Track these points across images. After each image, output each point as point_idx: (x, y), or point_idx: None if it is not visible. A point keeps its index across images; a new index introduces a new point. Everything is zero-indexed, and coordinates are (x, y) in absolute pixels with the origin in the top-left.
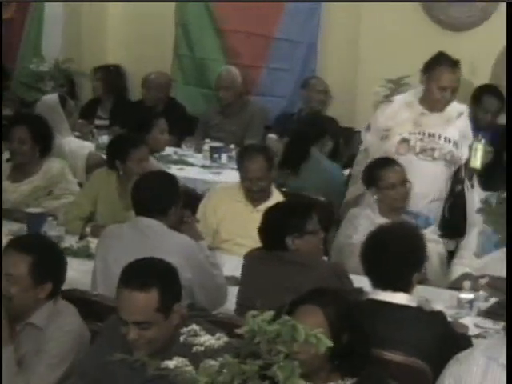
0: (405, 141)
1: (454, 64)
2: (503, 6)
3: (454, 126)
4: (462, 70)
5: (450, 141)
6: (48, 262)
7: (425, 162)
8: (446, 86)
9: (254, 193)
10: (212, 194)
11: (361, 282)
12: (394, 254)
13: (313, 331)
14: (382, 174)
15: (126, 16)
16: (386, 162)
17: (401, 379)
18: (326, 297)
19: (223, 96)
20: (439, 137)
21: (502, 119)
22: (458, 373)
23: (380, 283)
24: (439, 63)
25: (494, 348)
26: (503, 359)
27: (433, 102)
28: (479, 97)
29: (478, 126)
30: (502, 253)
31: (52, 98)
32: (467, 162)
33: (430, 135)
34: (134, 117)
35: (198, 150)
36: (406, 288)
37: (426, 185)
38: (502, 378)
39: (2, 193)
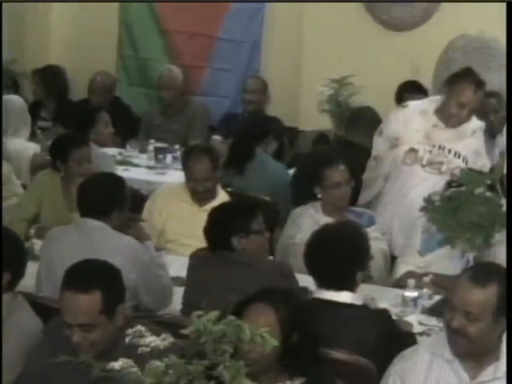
0: (413, 151)
1: (479, 84)
2: (445, 6)
3: (467, 143)
4: (404, 69)
5: (459, 156)
6: (6, 251)
7: (431, 174)
8: (464, 103)
9: (199, 193)
10: (157, 195)
11: (305, 281)
12: (337, 253)
13: (258, 330)
14: (327, 173)
15: (71, 16)
16: (331, 161)
17: (346, 377)
18: (277, 296)
19: (165, 96)
20: (449, 151)
21: None
22: (402, 370)
23: (324, 282)
24: (464, 78)
25: (438, 344)
26: (448, 355)
27: (448, 116)
28: (402, 93)
29: None
30: (445, 251)
31: (18, 99)
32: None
33: (439, 148)
34: (77, 115)
35: (143, 150)
36: (350, 287)
37: None
38: (447, 373)
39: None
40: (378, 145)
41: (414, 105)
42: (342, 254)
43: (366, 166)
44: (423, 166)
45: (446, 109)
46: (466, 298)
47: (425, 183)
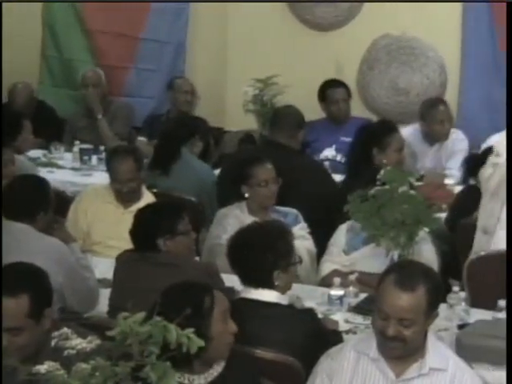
0: None
1: None
2: (368, 6)
3: None
4: (329, 69)
5: None
6: None
7: None
8: None
9: (123, 194)
10: (82, 196)
11: (232, 281)
12: (255, 253)
13: (184, 331)
14: (255, 171)
15: None
16: (258, 160)
17: (273, 377)
18: None
19: (86, 100)
20: None
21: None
22: (329, 368)
23: (249, 282)
24: None
25: (363, 343)
26: (373, 354)
27: None
28: (325, 91)
29: (332, 119)
30: (369, 249)
31: None
32: None
33: None
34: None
35: (68, 152)
36: (272, 286)
37: None
38: (373, 371)
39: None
40: None
41: None
42: (260, 253)
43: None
44: None
45: None
46: (398, 306)
47: None
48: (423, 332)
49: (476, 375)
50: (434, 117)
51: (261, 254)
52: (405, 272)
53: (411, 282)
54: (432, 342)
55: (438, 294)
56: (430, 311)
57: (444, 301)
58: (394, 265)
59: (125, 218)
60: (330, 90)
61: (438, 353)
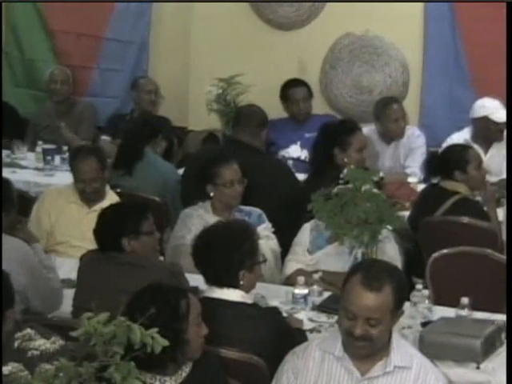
0: None
1: None
2: (330, 6)
3: None
4: (292, 68)
5: None
6: None
7: None
8: None
9: (87, 194)
10: (45, 197)
11: (196, 280)
12: (218, 252)
13: (148, 331)
14: (220, 171)
15: None
16: (224, 159)
17: (238, 376)
18: None
19: (53, 96)
20: None
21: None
22: (295, 366)
23: (213, 281)
24: None
25: (328, 341)
26: (338, 352)
27: None
28: (286, 91)
29: (294, 118)
30: (333, 248)
31: None
32: None
33: None
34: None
35: (31, 152)
36: (237, 285)
37: None
38: (338, 370)
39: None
40: None
41: None
42: (225, 253)
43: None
44: None
45: None
46: (365, 305)
47: None
48: (389, 330)
49: (440, 373)
50: (388, 116)
51: (226, 253)
52: (371, 272)
53: (378, 282)
54: (397, 341)
55: (403, 293)
56: (396, 310)
57: (408, 299)
58: (359, 264)
59: (88, 218)
60: (291, 89)
61: (403, 351)
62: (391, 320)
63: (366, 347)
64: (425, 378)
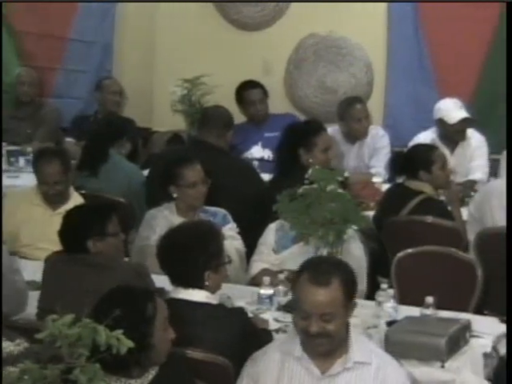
0: None
1: None
2: (295, 6)
3: None
4: (257, 68)
5: None
6: None
7: None
8: None
9: (51, 196)
10: (10, 199)
11: (162, 281)
12: (188, 253)
13: (114, 332)
14: (183, 172)
15: None
16: (187, 160)
17: (204, 377)
18: None
19: (19, 98)
20: None
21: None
22: (255, 372)
23: (179, 282)
24: None
25: (288, 343)
26: (297, 352)
27: None
28: (242, 93)
29: (252, 120)
30: (298, 247)
31: None
32: None
33: None
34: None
35: None
36: (201, 286)
37: None
38: (298, 370)
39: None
40: None
41: None
42: (190, 253)
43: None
44: None
45: None
46: (317, 302)
47: None
48: (345, 325)
49: (400, 367)
50: (351, 115)
51: (191, 254)
52: (317, 268)
53: (325, 277)
54: (355, 337)
55: (353, 285)
56: (348, 302)
57: (371, 297)
58: (305, 264)
59: (53, 220)
60: (246, 91)
61: (362, 347)
62: (345, 313)
63: (325, 344)
64: (385, 373)
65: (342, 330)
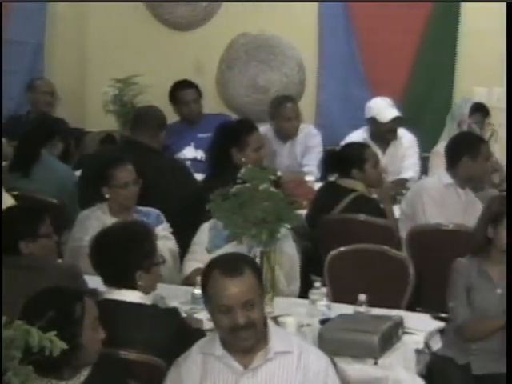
0: None
1: None
2: (226, 6)
3: None
4: (188, 68)
5: None
6: None
7: None
8: None
9: None
10: None
11: (96, 282)
12: (120, 253)
13: (46, 334)
14: (114, 172)
15: None
16: (118, 161)
17: (138, 377)
18: None
19: None
20: None
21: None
22: (177, 376)
23: (111, 282)
24: None
25: (208, 343)
26: (218, 351)
27: None
28: (176, 93)
29: (185, 120)
30: (232, 247)
31: None
32: None
33: None
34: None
35: None
36: (134, 286)
37: None
38: (220, 369)
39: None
40: None
41: None
42: (122, 253)
43: None
44: None
45: None
46: (237, 292)
47: None
48: (263, 316)
49: (322, 354)
50: (281, 114)
51: (123, 254)
52: (226, 262)
53: (236, 267)
54: (274, 329)
55: (259, 272)
56: (261, 290)
57: (305, 296)
58: (212, 262)
59: None
60: (180, 91)
61: (281, 337)
62: (261, 302)
63: (251, 336)
64: (307, 360)
65: (262, 318)
